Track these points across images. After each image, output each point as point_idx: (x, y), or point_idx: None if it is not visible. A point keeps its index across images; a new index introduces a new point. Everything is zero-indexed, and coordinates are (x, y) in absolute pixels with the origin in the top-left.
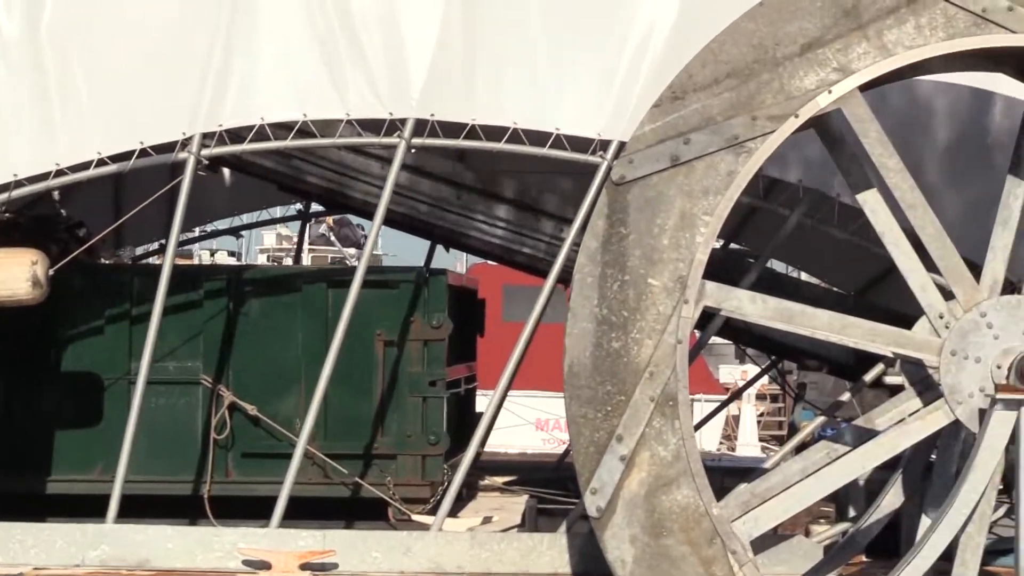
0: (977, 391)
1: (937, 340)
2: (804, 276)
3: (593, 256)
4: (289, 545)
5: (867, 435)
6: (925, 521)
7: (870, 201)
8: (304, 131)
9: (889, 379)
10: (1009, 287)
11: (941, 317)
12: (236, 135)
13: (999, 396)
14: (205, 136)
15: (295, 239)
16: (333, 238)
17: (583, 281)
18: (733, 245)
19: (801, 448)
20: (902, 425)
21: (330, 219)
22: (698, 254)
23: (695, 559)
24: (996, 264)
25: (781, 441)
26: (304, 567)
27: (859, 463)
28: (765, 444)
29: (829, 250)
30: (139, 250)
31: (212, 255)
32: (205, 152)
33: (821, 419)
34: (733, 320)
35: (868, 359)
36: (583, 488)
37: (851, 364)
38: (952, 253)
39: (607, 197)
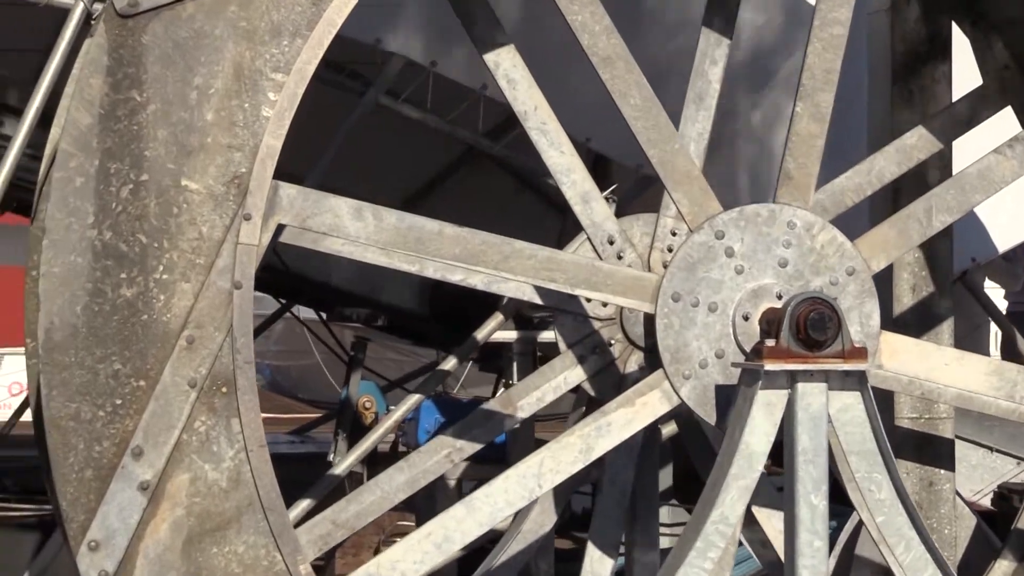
0: (713, 357)
1: (650, 277)
2: None
3: (85, 141)
4: None
5: (504, 426)
6: (594, 554)
7: (506, 64)
8: None
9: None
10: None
11: (612, 242)
12: None
13: (767, 367)
14: None
15: None
16: None
17: (68, 183)
18: None
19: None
20: (599, 416)
21: None
22: (267, 137)
23: None
24: None
25: None
26: None
27: (533, 479)
28: None
29: (393, 145)
30: None
31: None
32: None
33: (416, 398)
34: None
35: (450, 310)
36: (75, 542)
37: (424, 315)
38: (670, 136)
39: (108, 40)
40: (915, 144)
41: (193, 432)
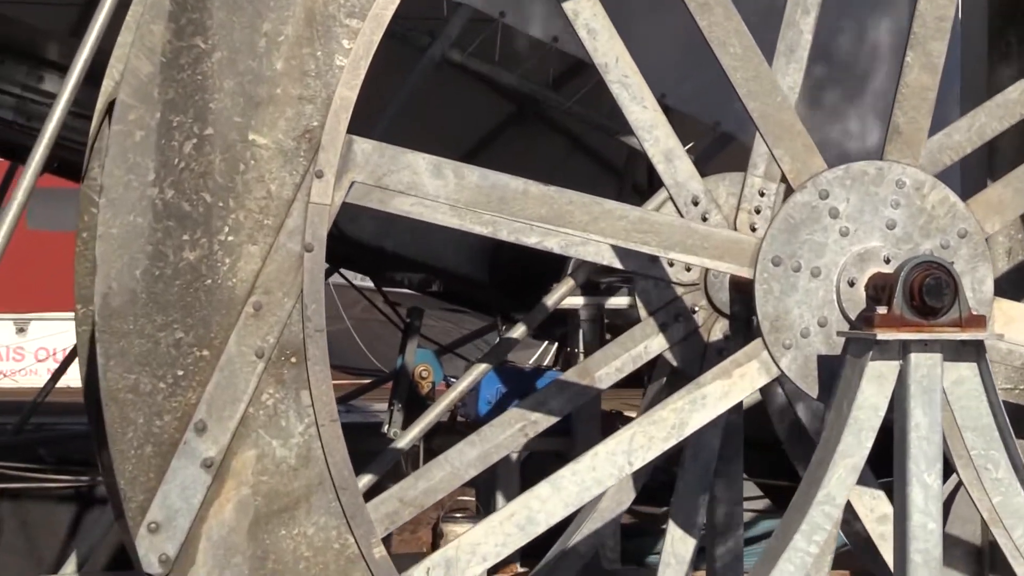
0: (815, 326)
1: (749, 240)
2: None
3: (146, 91)
4: None
5: (581, 397)
6: (676, 534)
7: (586, 13)
8: None
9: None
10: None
11: (696, 203)
12: None
13: (879, 336)
14: None
15: None
16: None
17: (127, 137)
18: None
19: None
20: (694, 388)
21: None
22: (340, 88)
23: None
24: None
25: None
26: None
27: (623, 456)
28: None
29: (441, 105)
30: None
31: None
32: None
33: (482, 367)
34: None
35: (510, 276)
36: (133, 523)
37: (484, 281)
38: (772, 88)
39: None
40: (1018, 99)
41: (260, 405)
